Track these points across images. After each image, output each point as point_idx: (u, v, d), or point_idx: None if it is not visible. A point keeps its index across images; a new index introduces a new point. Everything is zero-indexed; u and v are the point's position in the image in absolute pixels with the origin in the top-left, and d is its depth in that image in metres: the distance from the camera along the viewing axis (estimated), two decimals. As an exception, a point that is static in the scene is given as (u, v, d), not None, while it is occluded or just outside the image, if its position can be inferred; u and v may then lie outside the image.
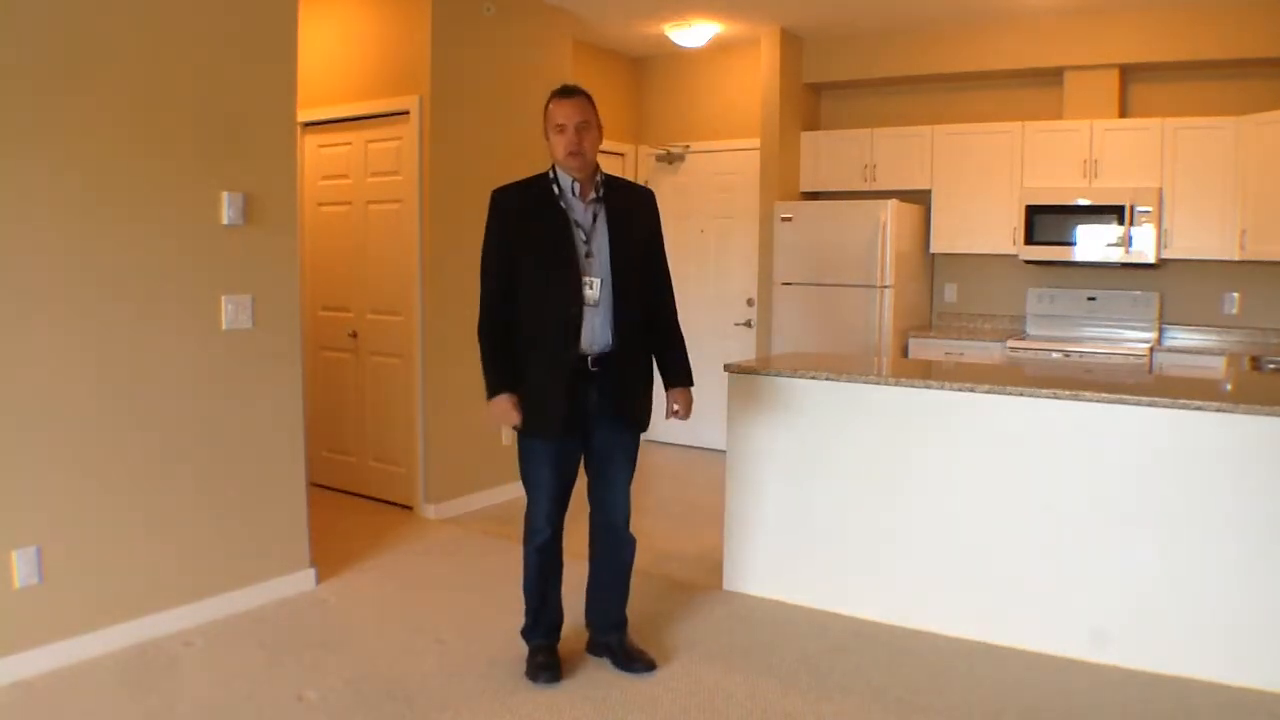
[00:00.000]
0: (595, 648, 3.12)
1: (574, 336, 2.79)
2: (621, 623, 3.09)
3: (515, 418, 2.84)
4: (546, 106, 2.89)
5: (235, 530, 3.44)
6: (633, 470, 3.01)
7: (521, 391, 2.85)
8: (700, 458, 6.11)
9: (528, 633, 3.05)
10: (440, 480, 4.76)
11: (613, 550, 3.03)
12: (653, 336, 2.99)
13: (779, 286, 5.80)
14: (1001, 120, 5.54)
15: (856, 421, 3.48)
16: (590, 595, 3.11)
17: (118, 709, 2.71)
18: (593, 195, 2.88)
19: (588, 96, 2.88)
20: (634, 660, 3.03)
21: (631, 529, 3.05)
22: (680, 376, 3.03)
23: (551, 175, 2.91)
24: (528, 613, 3.03)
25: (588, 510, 3.05)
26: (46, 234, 2.88)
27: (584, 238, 2.83)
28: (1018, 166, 5.40)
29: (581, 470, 3.02)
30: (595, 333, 2.81)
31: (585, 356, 2.80)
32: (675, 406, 3.04)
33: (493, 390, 2.87)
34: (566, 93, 2.87)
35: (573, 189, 2.87)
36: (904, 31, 5.69)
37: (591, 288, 2.79)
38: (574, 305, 2.78)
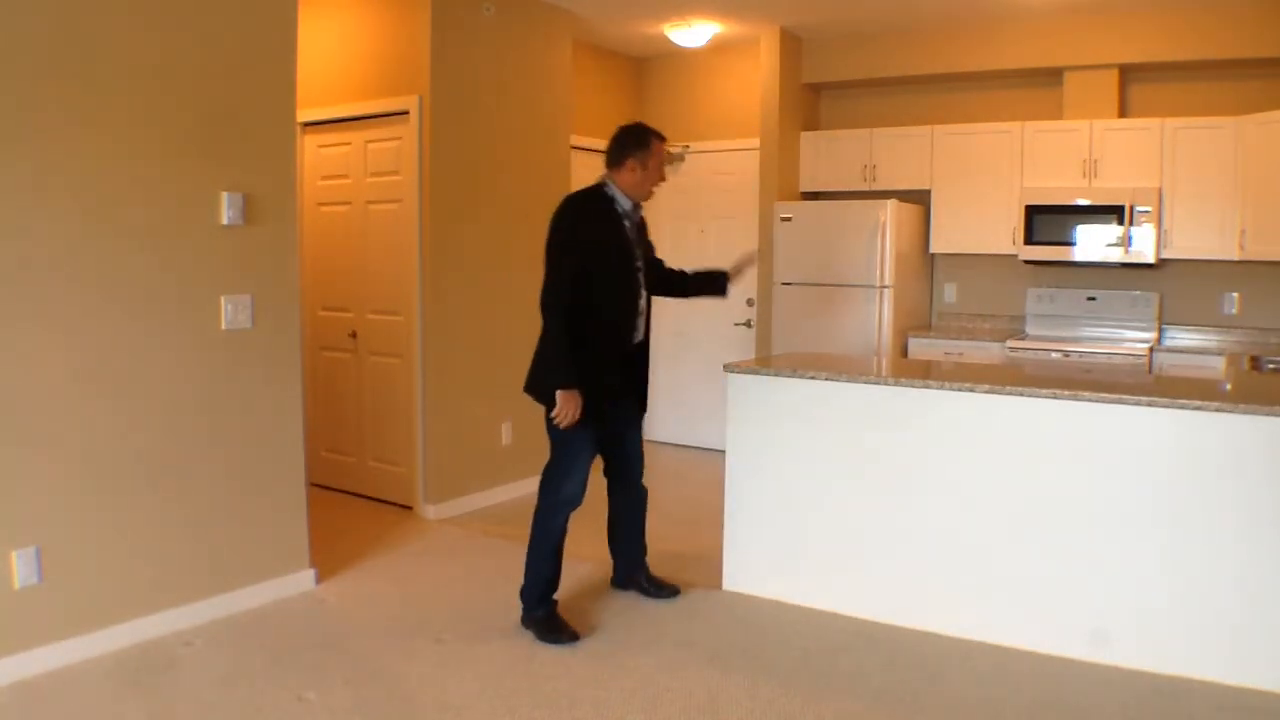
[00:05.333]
0: (624, 583, 3.72)
1: (631, 331, 3.37)
2: (643, 557, 3.69)
3: (579, 409, 3.20)
4: (652, 141, 3.34)
5: (235, 530, 3.44)
6: (642, 438, 3.63)
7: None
8: (700, 458, 6.11)
9: (543, 598, 3.32)
10: (440, 480, 4.76)
11: (636, 501, 3.63)
12: (673, 284, 3.64)
13: (779, 286, 5.80)
14: (1001, 120, 5.54)
15: (856, 421, 3.48)
16: (617, 540, 3.68)
17: (118, 709, 2.71)
18: (635, 217, 3.40)
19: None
20: (661, 588, 3.67)
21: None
22: (720, 276, 3.66)
23: (609, 192, 3.34)
24: (543, 581, 3.31)
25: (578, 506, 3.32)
26: (46, 234, 2.88)
27: (636, 253, 3.37)
28: (1017, 166, 5.40)
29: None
30: (639, 328, 3.41)
31: (632, 346, 3.40)
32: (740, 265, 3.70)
33: (568, 380, 3.18)
34: (662, 136, 3.39)
35: (629, 210, 3.35)
36: (904, 31, 5.69)
37: (644, 295, 3.41)
38: (631, 306, 3.35)
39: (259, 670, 2.98)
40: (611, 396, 3.33)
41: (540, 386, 3.27)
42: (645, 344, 3.48)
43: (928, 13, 5.35)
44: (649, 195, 3.38)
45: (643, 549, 3.72)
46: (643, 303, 3.40)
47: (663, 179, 3.40)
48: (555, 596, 3.35)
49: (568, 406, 3.16)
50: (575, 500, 3.31)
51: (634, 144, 3.30)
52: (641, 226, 3.47)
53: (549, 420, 3.27)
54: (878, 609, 3.45)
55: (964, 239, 5.65)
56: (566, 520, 3.34)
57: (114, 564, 3.09)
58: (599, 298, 3.23)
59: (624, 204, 3.33)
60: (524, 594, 3.33)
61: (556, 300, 3.15)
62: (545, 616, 3.29)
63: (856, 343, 5.52)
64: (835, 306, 5.60)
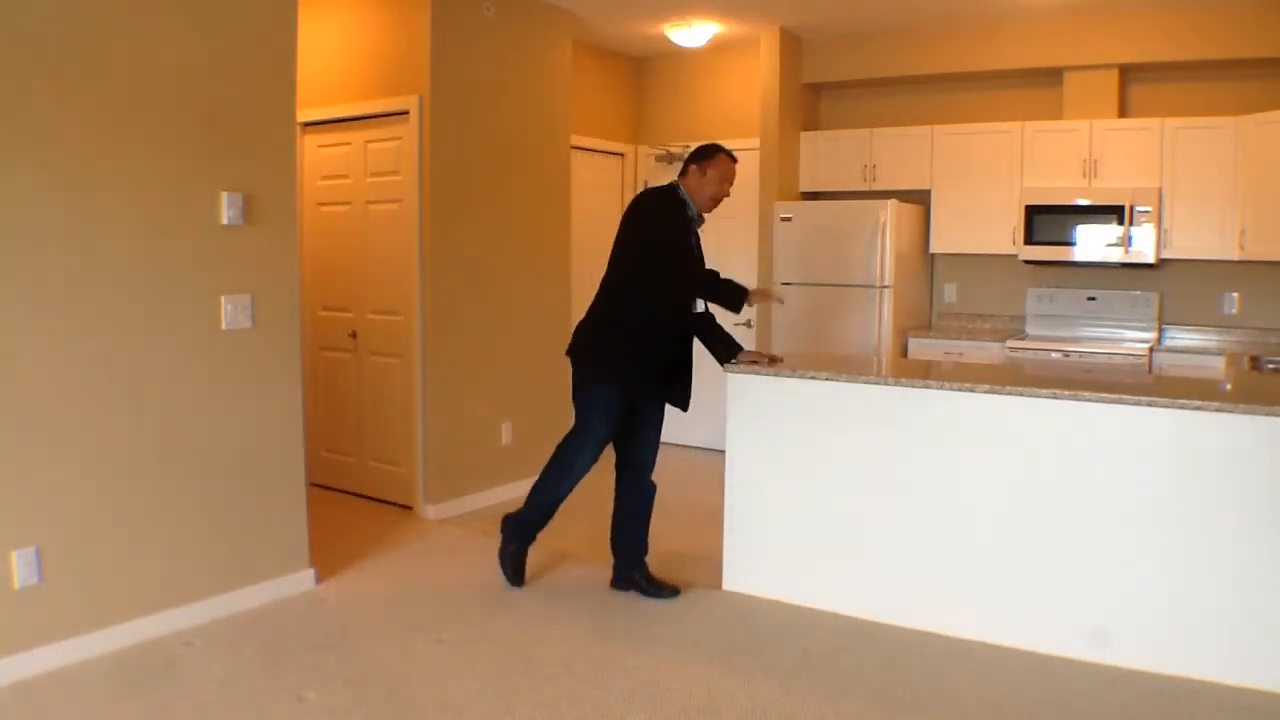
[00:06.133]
0: (622, 582, 3.73)
1: (684, 326, 3.57)
2: (644, 556, 3.71)
3: (775, 295, 3.89)
4: (717, 154, 3.57)
5: (235, 530, 3.44)
6: (661, 433, 3.73)
7: (633, 353, 3.48)
8: (700, 458, 6.11)
9: (522, 528, 3.72)
10: (440, 480, 4.76)
11: (641, 496, 3.67)
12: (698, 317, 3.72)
13: (779, 287, 5.80)
14: (1001, 120, 5.54)
15: (856, 421, 3.48)
16: (619, 536, 3.72)
17: (118, 709, 2.71)
18: (699, 223, 3.61)
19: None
20: (660, 588, 3.68)
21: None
22: (732, 347, 3.72)
23: (681, 195, 3.56)
24: (533, 524, 3.71)
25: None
26: (46, 234, 2.87)
27: (699, 252, 3.59)
28: (1017, 166, 5.40)
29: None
30: (687, 325, 3.61)
31: (682, 340, 3.58)
32: (753, 359, 3.70)
33: (743, 291, 3.46)
34: (736, 158, 3.62)
35: (695, 214, 3.57)
36: (904, 31, 5.69)
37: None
38: (694, 304, 3.59)
39: (259, 670, 2.98)
40: (651, 389, 3.55)
41: (582, 357, 3.58)
42: (689, 343, 3.64)
43: (928, 13, 5.35)
44: (707, 204, 3.56)
45: (643, 548, 3.73)
46: (698, 305, 3.62)
47: (725, 194, 3.58)
48: (530, 543, 3.75)
49: (764, 299, 3.70)
50: (582, 472, 3.62)
51: (702, 155, 3.57)
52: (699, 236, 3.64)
53: (576, 391, 3.59)
54: (878, 609, 3.45)
55: (964, 239, 5.65)
56: (569, 490, 3.64)
57: (114, 564, 3.09)
58: (673, 290, 3.50)
59: (693, 208, 3.55)
60: (510, 524, 3.75)
61: (691, 274, 3.47)
62: (514, 548, 3.74)
63: (856, 343, 5.51)
64: (835, 306, 5.60)
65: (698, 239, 3.61)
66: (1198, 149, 4.93)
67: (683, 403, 3.66)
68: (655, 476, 3.73)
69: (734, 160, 3.60)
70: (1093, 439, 3.08)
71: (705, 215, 3.62)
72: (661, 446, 3.77)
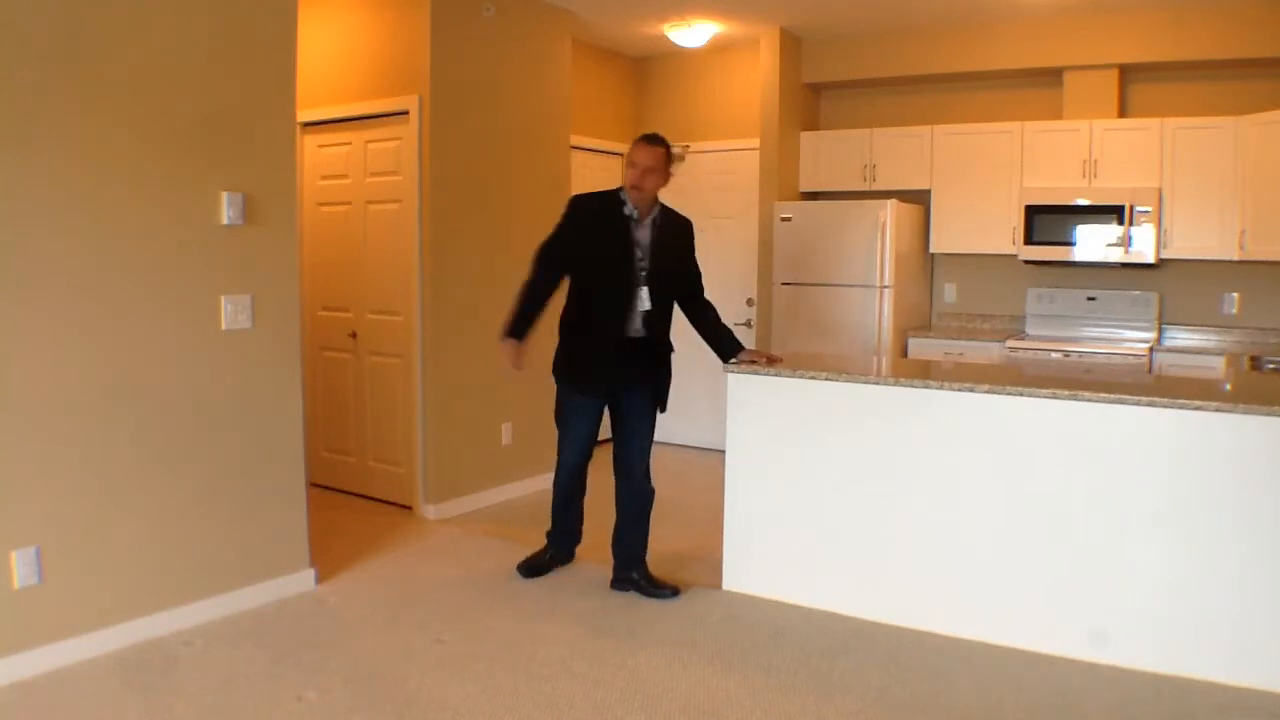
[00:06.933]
0: (620, 583, 3.75)
1: (623, 323, 3.54)
2: (641, 558, 3.72)
3: (515, 362, 3.60)
4: (633, 145, 3.56)
5: (235, 530, 3.44)
6: (650, 434, 3.72)
7: (569, 350, 3.65)
8: (700, 458, 6.11)
9: (549, 536, 3.94)
10: (440, 480, 4.76)
11: (632, 495, 3.70)
12: (695, 314, 3.77)
13: (779, 286, 5.80)
14: (1001, 120, 5.54)
15: (856, 421, 3.48)
16: (615, 536, 3.76)
17: (117, 709, 2.71)
18: (649, 222, 3.56)
19: (665, 147, 3.57)
20: (659, 588, 3.69)
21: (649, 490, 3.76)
22: (733, 347, 3.72)
23: (623, 196, 3.55)
24: (554, 525, 3.93)
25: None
26: (46, 234, 2.88)
27: (640, 254, 3.54)
28: (1017, 166, 5.40)
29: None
30: (636, 322, 3.55)
31: (628, 339, 3.55)
32: (752, 359, 3.69)
33: (506, 332, 3.59)
34: (649, 140, 3.56)
35: (635, 213, 3.54)
36: (904, 31, 5.69)
37: (640, 290, 3.53)
38: (626, 300, 3.52)
39: (259, 670, 2.98)
40: (607, 382, 3.61)
41: (555, 365, 3.72)
42: (652, 342, 3.61)
43: (928, 13, 5.35)
44: (634, 198, 3.51)
45: (641, 548, 3.74)
46: (641, 302, 3.53)
47: (635, 180, 3.47)
48: (557, 545, 3.92)
49: (503, 353, 3.60)
50: (567, 466, 3.75)
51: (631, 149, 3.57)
52: (664, 234, 3.59)
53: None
54: (878, 609, 3.45)
55: (964, 239, 5.65)
56: (567, 480, 3.78)
57: (114, 564, 3.09)
58: (593, 287, 3.56)
59: (631, 209, 3.53)
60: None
61: (543, 253, 3.63)
62: (538, 554, 3.92)
63: (856, 343, 5.52)
64: (835, 306, 5.60)
65: (658, 240, 3.55)
66: (1198, 149, 4.93)
67: (653, 398, 3.68)
68: (656, 476, 3.73)
69: (643, 143, 3.52)
70: (1092, 439, 3.08)
71: (643, 208, 3.54)
72: (662, 447, 3.78)
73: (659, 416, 3.77)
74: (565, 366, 3.67)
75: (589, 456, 3.80)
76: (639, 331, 3.57)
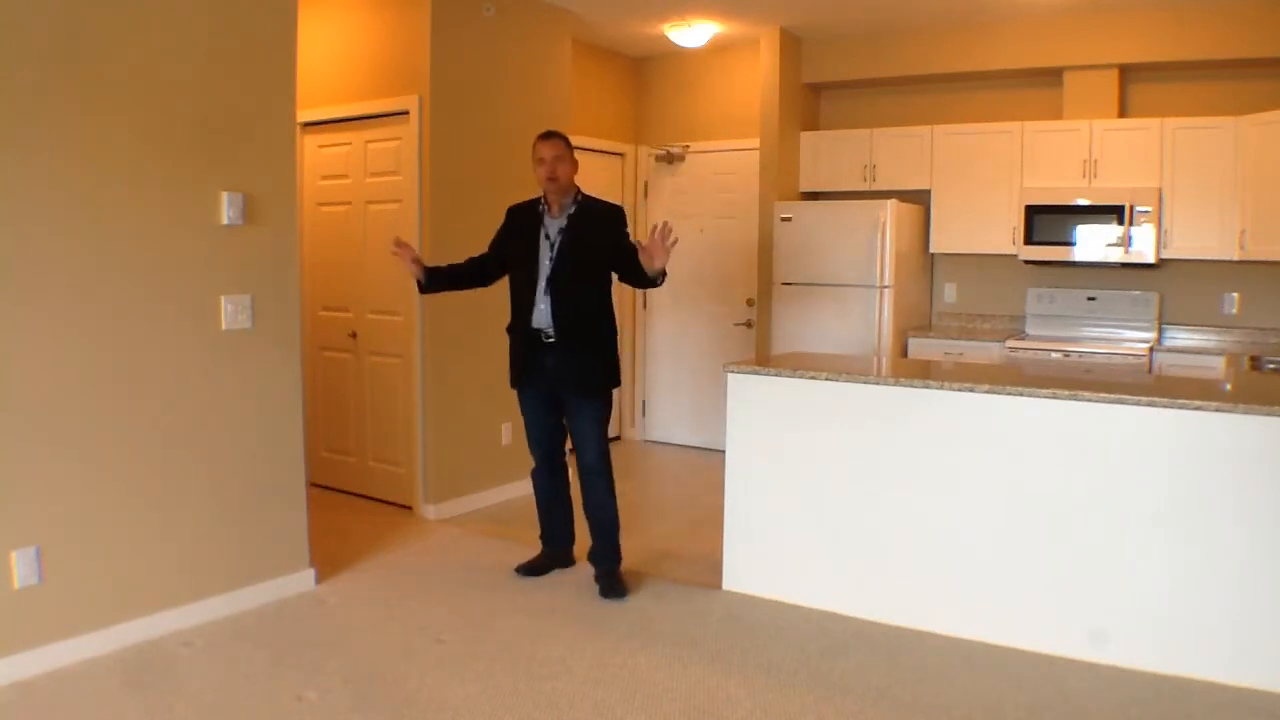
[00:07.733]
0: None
1: (529, 318, 3.62)
2: (601, 560, 3.75)
3: (403, 254, 3.66)
4: (534, 146, 3.63)
5: (235, 530, 3.44)
6: (598, 426, 3.71)
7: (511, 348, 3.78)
8: (700, 458, 6.11)
9: (541, 538, 3.98)
10: (440, 480, 4.76)
11: (587, 490, 3.73)
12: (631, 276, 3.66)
13: (779, 286, 5.80)
14: (1001, 120, 5.54)
15: (856, 421, 3.48)
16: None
17: (118, 709, 2.71)
18: (564, 214, 3.62)
19: (563, 138, 3.64)
20: (609, 591, 3.68)
21: (622, 517, 3.79)
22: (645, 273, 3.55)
23: (543, 197, 3.68)
24: (539, 524, 3.97)
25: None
26: (46, 234, 2.88)
27: (550, 248, 3.59)
28: (1017, 166, 5.40)
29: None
30: (543, 318, 3.60)
31: (538, 332, 3.61)
32: (651, 251, 3.46)
33: (425, 265, 3.76)
34: (545, 135, 3.64)
35: (548, 213, 3.65)
36: (904, 31, 5.69)
37: (542, 285, 3.59)
38: (529, 296, 3.62)
39: (259, 670, 2.98)
40: (530, 375, 3.70)
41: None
42: (570, 334, 3.59)
43: (928, 13, 5.35)
44: (550, 190, 3.60)
45: (599, 551, 3.76)
46: (541, 296, 3.59)
47: (540, 174, 3.58)
48: (549, 546, 3.95)
49: (402, 252, 3.66)
50: (536, 462, 3.86)
51: (532, 152, 3.65)
52: (580, 224, 3.60)
53: None
54: (878, 609, 3.45)
55: (964, 239, 5.65)
56: (542, 479, 3.87)
57: (114, 564, 3.09)
58: (512, 286, 3.72)
59: (545, 207, 3.67)
60: None
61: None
62: (534, 559, 3.94)
63: (856, 343, 5.51)
64: (835, 306, 5.60)
65: (570, 237, 3.57)
66: (1198, 149, 4.93)
67: (582, 391, 3.64)
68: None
69: (540, 140, 3.60)
70: (1092, 439, 3.08)
71: (556, 200, 3.62)
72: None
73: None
74: (509, 366, 3.79)
75: (554, 452, 3.84)
76: (547, 324, 3.58)
